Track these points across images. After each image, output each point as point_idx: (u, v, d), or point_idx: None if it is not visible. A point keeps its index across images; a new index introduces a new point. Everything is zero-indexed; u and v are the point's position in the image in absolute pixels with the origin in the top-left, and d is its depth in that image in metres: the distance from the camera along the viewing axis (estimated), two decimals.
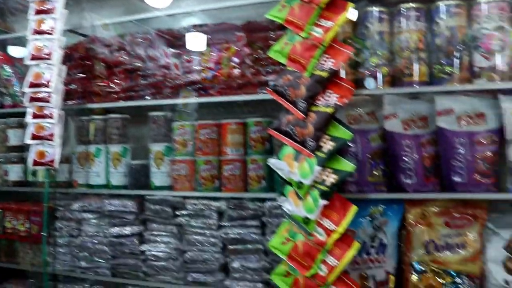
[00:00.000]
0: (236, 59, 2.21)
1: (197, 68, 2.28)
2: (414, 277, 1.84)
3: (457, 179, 1.82)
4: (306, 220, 1.72)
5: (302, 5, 1.76)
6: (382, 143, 1.93)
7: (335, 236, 1.70)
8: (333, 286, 1.73)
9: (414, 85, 1.84)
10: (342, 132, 1.70)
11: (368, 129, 1.94)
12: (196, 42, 2.38)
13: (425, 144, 1.88)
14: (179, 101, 2.30)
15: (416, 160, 1.86)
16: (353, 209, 1.70)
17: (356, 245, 1.70)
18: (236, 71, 2.18)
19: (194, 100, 2.27)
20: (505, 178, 1.82)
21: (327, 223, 1.72)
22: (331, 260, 1.71)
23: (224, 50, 2.28)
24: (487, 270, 1.82)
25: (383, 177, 1.92)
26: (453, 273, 1.81)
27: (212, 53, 2.28)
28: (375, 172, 1.91)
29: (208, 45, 2.33)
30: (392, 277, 1.88)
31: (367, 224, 1.92)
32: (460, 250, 1.83)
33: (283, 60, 1.77)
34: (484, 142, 1.81)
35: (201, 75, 2.25)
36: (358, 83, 1.89)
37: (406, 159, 1.86)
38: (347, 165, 1.69)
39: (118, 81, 2.42)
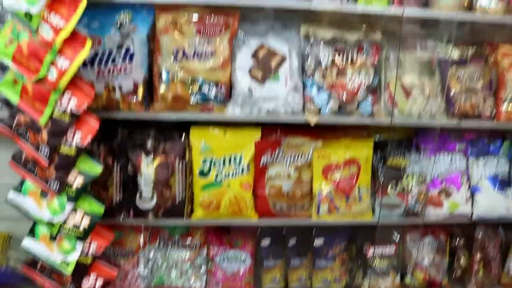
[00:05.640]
0: None
1: None
2: (162, 87, 2.07)
3: None
4: (29, 16, 1.74)
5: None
6: None
7: (64, 34, 1.76)
8: (67, 91, 1.85)
9: None
10: None
11: None
12: None
13: None
14: None
15: None
16: (84, 1, 1.77)
17: (88, 44, 1.81)
18: None
19: None
20: None
21: (55, 19, 1.76)
22: (61, 62, 1.80)
23: None
24: (235, 77, 2.13)
25: None
26: (200, 81, 2.08)
27: None
28: None
29: None
30: (140, 87, 2.07)
31: (114, 31, 2.02)
32: (209, 58, 2.08)
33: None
34: None
35: None
36: None
37: None
38: None
39: None
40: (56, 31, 1.74)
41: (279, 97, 2.06)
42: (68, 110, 1.83)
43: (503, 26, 2.35)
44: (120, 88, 2.02)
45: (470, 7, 2.21)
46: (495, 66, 2.39)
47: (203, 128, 2.17)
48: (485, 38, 2.44)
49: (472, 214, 2.44)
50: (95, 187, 2.10)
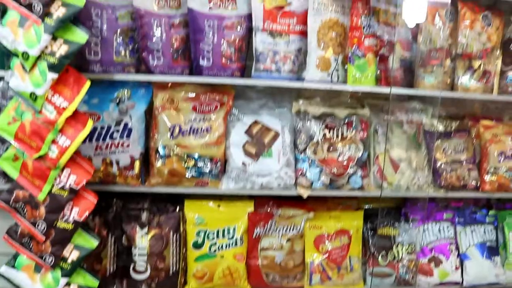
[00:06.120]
0: None
1: None
2: (159, 162, 2.13)
3: (204, 62, 2.10)
4: (34, 96, 1.82)
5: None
6: (131, 21, 2.08)
7: (66, 114, 1.84)
8: (67, 168, 1.90)
9: None
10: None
11: (117, 4, 2.05)
12: None
13: (176, 26, 2.09)
14: None
15: (165, 42, 2.07)
16: (87, 84, 1.86)
17: (89, 124, 1.88)
18: None
19: None
20: (251, 64, 2.17)
21: (58, 100, 1.84)
22: (63, 140, 1.87)
23: None
24: (229, 153, 2.21)
25: (131, 58, 2.09)
26: (196, 156, 2.15)
27: None
28: (122, 52, 2.07)
29: None
30: (137, 162, 2.14)
31: (113, 107, 2.10)
32: (204, 135, 2.16)
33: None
34: (233, 27, 2.11)
35: None
36: None
37: (155, 39, 2.06)
38: (79, 36, 1.81)
39: None
40: (59, 111, 1.81)
41: (272, 172, 2.13)
42: (67, 186, 1.87)
43: (483, 101, 2.48)
44: (118, 162, 2.08)
45: (452, 85, 2.34)
46: (478, 139, 2.50)
47: (197, 201, 2.21)
48: (467, 112, 2.56)
49: (462, 281, 2.48)
50: (88, 258, 2.11)
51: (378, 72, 2.18)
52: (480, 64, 2.32)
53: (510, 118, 2.59)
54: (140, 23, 2.02)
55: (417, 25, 2.24)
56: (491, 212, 2.60)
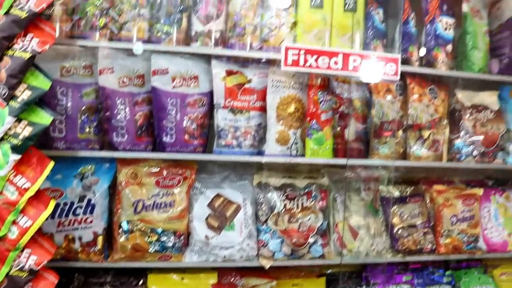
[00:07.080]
0: None
1: None
2: (122, 237, 2.12)
3: (167, 139, 2.15)
4: None
5: None
6: (96, 98, 2.13)
7: (28, 194, 1.83)
8: (27, 248, 1.87)
9: (131, 41, 2.08)
10: (41, 81, 1.83)
11: (82, 83, 2.10)
12: None
13: (139, 103, 2.14)
14: None
15: (129, 119, 2.11)
16: (50, 164, 1.86)
17: (52, 204, 1.87)
18: None
19: None
20: (212, 140, 2.23)
21: (20, 180, 1.83)
22: (24, 221, 1.84)
23: None
24: (192, 226, 2.22)
25: (95, 135, 2.11)
26: (159, 231, 2.15)
27: None
28: (86, 129, 2.09)
29: None
30: (100, 238, 2.12)
31: (76, 183, 2.10)
32: (167, 209, 2.18)
33: None
34: (196, 104, 2.18)
35: None
36: (73, 31, 2.04)
37: (119, 117, 2.10)
38: (44, 117, 1.82)
39: None
40: (21, 192, 1.79)
41: (234, 245, 2.15)
42: (27, 267, 1.83)
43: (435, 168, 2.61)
44: (80, 238, 2.06)
45: (405, 154, 2.45)
46: (432, 203, 2.60)
47: (160, 274, 2.20)
48: (421, 178, 2.67)
49: None
50: None
51: (338, 128, 2.26)
52: (430, 134, 2.45)
53: (460, 182, 2.71)
54: (105, 100, 2.05)
55: (370, 94, 2.34)
56: (448, 272, 2.67)
